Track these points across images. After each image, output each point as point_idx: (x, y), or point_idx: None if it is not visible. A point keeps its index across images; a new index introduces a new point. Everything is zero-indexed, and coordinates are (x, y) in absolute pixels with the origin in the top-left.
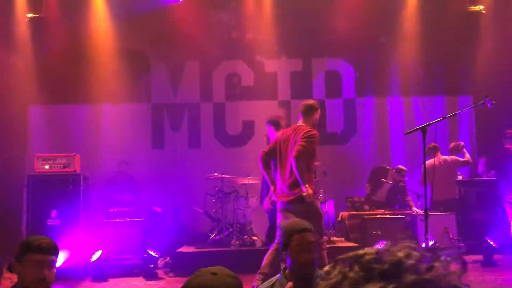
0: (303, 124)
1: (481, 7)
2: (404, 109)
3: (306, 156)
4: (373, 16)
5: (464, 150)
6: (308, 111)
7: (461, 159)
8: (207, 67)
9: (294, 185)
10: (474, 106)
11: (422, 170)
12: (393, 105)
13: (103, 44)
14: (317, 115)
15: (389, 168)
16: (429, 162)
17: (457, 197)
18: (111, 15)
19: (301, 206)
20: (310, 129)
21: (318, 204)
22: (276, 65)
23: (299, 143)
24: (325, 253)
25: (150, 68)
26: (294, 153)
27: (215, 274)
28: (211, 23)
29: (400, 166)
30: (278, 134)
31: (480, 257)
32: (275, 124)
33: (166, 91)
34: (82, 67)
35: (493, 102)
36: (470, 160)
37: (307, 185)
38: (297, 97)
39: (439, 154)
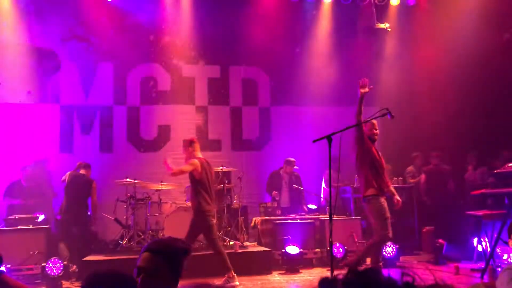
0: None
1: (387, 25)
2: (317, 118)
3: None
4: (289, 27)
5: None
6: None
7: None
8: (121, 69)
9: None
10: (375, 117)
11: (326, 176)
12: (307, 114)
13: (7, 40)
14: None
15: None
16: None
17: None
18: (18, 9)
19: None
20: None
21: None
22: (194, 70)
23: None
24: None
25: (60, 67)
26: None
27: None
28: (128, 25)
29: (289, 158)
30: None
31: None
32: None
33: (77, 92)
34: None
35: (393, 115)
36: None
37: None
38: (215, 103)
39: None
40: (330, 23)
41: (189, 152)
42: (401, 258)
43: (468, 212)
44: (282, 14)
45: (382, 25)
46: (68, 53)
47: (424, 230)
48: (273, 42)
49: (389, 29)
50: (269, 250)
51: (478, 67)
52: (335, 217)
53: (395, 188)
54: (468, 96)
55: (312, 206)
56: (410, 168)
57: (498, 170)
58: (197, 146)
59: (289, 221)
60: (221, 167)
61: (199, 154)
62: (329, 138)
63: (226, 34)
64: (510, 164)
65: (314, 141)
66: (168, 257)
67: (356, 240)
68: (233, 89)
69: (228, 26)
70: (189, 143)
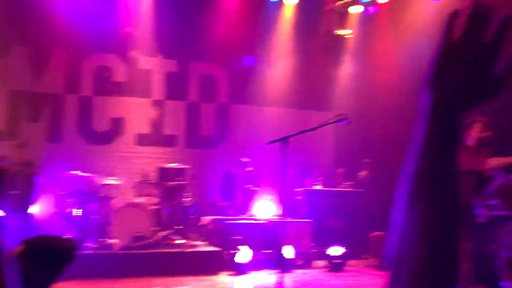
0: None
1: (348, 31)
2: (275, 119)
3: None
4: (251, 27)
5: None
6: None
7: None
8: (75, 57)
9: None
10: (331, 122)
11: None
12: (265, 114)
13: None
14: None
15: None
16: None
17: None
18: None
19: None
20: None
21: None
22: (151, 63)
23: None
24: None
25: (9, 51)
26: None
27: None
28: (85, 13)
29: (244, 158)
30: None
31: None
32: None
33: (26, 78)
34: None
35: (349, 120)
36: None
37: None
38: (172, 98)
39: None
40: (292, 25)
41: None
42: (349, 262)
43: None
44: (244, 13)
45: (342, 32)
46: (18, 36)
47: (373, 234)
48: (234, 40)
49: (349, 36)
50: (218, 250)
51: None
52: (287, 219)
53: (347, 192)
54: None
55: (265, 208)
56: (363, 173)
57: None
58: None
59: (241, 221)
60: (174, 164)
61: None
62: (285, 140)
63: (187, 29)
64: None
65: (269, 143)
66: (47, 259)
67: (307, 242)
68: (191, 84)
69: (190, 22)
70: None
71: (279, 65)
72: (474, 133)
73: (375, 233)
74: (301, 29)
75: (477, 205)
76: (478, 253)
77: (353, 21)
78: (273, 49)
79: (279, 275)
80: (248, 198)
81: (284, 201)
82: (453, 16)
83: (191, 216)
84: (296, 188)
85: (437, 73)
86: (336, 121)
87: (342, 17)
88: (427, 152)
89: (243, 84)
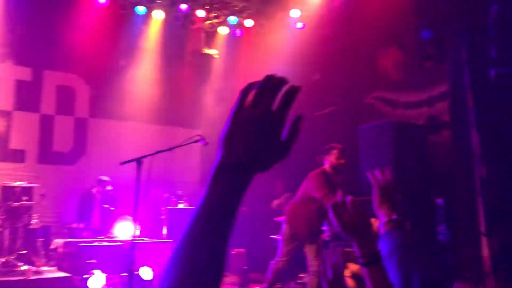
0: None
1: (215, 51)
2: (139, 135)
3: None
4: (115, 38)
5: None
6: None
7: None
8: None
9: None
10: (189, 143)
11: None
12: (128, 130)
13: None
14: None
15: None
16: None
17: None
18: None
19: None
20: None
21: None
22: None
23: None
24: None
25: None
26: None
27: None
28: None
29: (103, 177)
30: None
31: None
32: None
33: None
34: None
35: (206, 141)
36: None
37: None
38: (22, 108)
39: None
40: (159, 40)
41: None
42: None
43: (271, 236)
44: (108, 24)
45: (209, 51)
46: None
47: (232, 252)
48: (96, 51)
49: (217, 56)
50: (68, 276)
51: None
52: (146, 239)
53: None
54: None
55: (124, 229)
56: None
57: None
58: None
59: (95, 243)
60: (20, 182)
61: None
62: (139, 161)
63: (43, 36)
64: None
65: (122, 163)
66: None
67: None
68: (46, 95)
69: (46, 28)
70: None
71: (144, 80)
72: (331, 159)
73: (235, 250)
74: (168, 45)
75: (326, 225)
76: (323, 272)
77: (220, 41)
78: (138, 63)
79: None
80: (106, 219)
81: (143, 221)
82: (250, 86)
83: (39, 240)
84: (161, 207)
85: (228, 135)
86: (192, 142)
87: (210, 37)
88: (202, 211)
89: (104, 97)
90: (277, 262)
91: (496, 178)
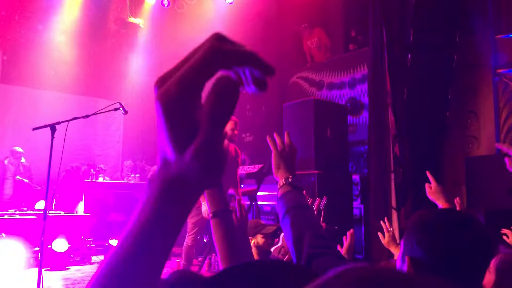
0: None
1: (140, 20)
2: (55, 104)
3: None
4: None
5: None
6: None
7: None
8: None
9: None
10: (107, 110)
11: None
12: (44, 99)
13: None
14: None
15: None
16: None
17: None
18: None
19: None
20: None
21: None
22: None
23: None
24: None
25: None
26: None
27: None
28: None
29: (16, 148)
30: None
31: None
32: None
33: None
34: None
35: (125, 110)
36: None
37: None
38: None
39: None
40: (82, 7)
41: None
42: None
43: None
44: None
45: (134, 20)
46: None
47: None
48: (10, 12)
49: (142, 25)
50: None
51: None
52: (62, 213)
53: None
54: None
55: (40, 205)
56: (155, 167)
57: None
58: None
59: (5, 217)
60: None
61: None
62: (52, 127)
63: None
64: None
65: (34, 129)
66: None
67: (83, 237)
68: None
69: None
70: None
71: (63, 48)
72: (229, 130)
73: None
74: (91, 12)
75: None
76: None
77: (146, 11)
78: (57, 29)
79: (48, 273)
80: (18, 192)
81: (60, 194)
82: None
83: None
84: (79, 180)
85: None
86: (112, 110)
87: (135, 5)
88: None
89: (18, 63)
90: (187, 238)
91: (407, 157)
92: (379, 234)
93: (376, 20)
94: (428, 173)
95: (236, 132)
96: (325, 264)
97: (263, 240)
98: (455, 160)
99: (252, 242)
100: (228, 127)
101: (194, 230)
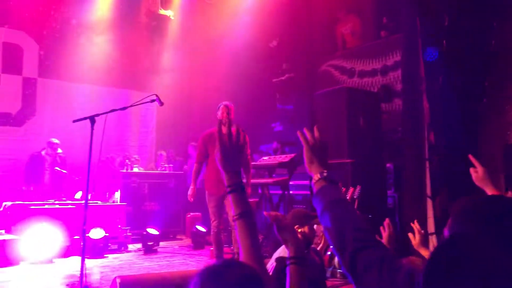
0: None
1: (171, 12)
2: (90, 97)
3: None
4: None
5: None
6: None
7: None
8: None
9: None
10: (143, 102)
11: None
12: (79, 91)
13: None
14: None
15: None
16: None
17: None
18: None
19: None
20: None
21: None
22: None
23: None
24: None
25: None
26: None
27: None
28: None
29: (53, 139)
30: None
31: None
32: None
33: None
34: None
35: (161, 101)
36: None
37: None
38: None
39: None
40: (114, 1)
41: None
42: (162, 243)
43: None
44: None
45: (165, 12)
46: None
47: (188, 216)
48: (46, 8)
49: (172, 17)
50: (18, 239)
51: (250, 68)
52: (99, 203)
53: (164, 175)
54: (239, 92)
55: (76, 192)
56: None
57: (255, 163)
58: None
59: (46, 206)
60: None
61: None
62: (92, 119)
63: None
64: (264, 158)
65: (74, 121)
66: None
67: (119, 226)
68: None
69: None
70: None
71: (97, 41)
72: (221, 114)
73: (191, 214)
74: (122, 5)
75: None
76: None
77: (177, 3)
78: (91, 22)
79: (87, 261)
80: (56, 182)
81: (96, 184)
82: None
83: None
84: (115, 170)
85: None
86: (148, 101)
87: None
88: None
89: (54, 57)
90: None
91: (442, 145)
92: (410, 235)
93: (410, 6)
94: (471, 157)
95: (231, 116)
96: (371, 256)
97: (310, 231)
98: (493, 148)
99: (300, 230)
100: (220, 114)
101: (217, 218)
